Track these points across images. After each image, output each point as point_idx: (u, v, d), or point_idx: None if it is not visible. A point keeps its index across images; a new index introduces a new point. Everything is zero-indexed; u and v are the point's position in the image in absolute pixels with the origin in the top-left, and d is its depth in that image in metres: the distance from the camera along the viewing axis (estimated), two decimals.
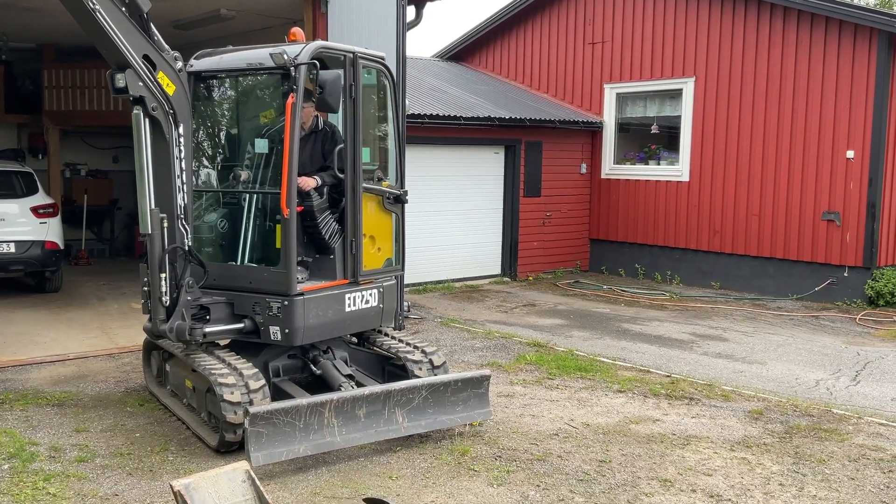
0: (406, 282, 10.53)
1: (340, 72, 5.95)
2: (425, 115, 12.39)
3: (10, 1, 9.76)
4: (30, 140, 15.07)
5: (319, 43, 5.99)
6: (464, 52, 17.83)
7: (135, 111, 5.64)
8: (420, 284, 12.83)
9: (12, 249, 10.25)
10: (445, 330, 10.00)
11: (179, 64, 5.90)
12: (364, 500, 4.59)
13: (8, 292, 10.94)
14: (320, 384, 6.19)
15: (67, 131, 14.79)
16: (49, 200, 11.07)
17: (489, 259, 14.14)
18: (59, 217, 11.06)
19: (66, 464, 5.34)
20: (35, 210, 10.58)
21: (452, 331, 9.95)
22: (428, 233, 12.83)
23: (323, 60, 6.03)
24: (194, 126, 6.23)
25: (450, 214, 13.38)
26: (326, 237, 6.20)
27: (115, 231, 16.03)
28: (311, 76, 5.57)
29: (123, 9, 5.50)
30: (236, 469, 3.95)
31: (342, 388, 5.87)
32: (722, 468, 5.55)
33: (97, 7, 5.23)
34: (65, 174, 15.22)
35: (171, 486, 3.74)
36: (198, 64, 6.32)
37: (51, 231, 10.70)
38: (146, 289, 5.88)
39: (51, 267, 10.82)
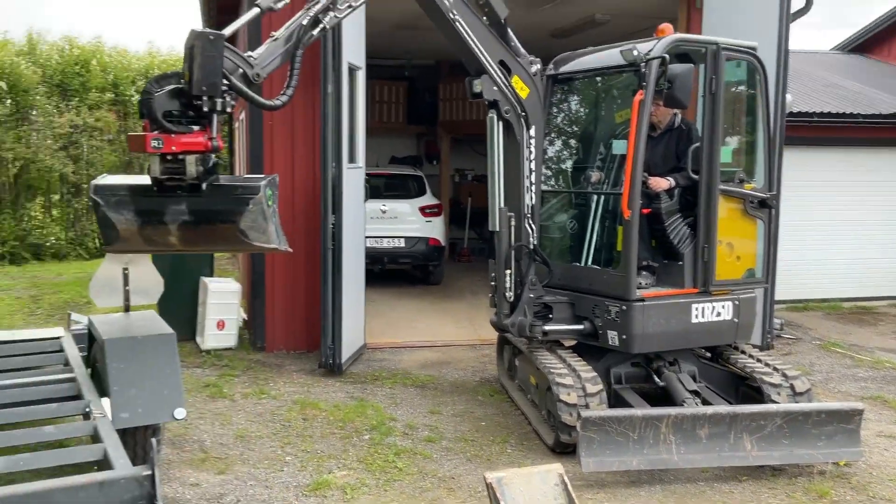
0: (780, 297, 9.56)
1: (691, 66, 5.56)
2: (813, 112, 11.12)
3: (414, 22, 10.98)
4: (426, 147, 16.84)
5: (675, 36, 5.67)
6: (869, 42, 15.68)
7: (489, 114, 5.91)
8: (800, 301, 11.55)
9: (402, 244, 11.53)
10: (823, 354, 8.85)
11: (535, 68, 6.04)
12: None
13: (396, 281, 12.32)
14: (664, 397, 5.86)
15: (458, 139, 16.20)
16: (435, 201, 12.23)
17: (886, 278, 12.19)
18: (442, 217, 12.18)
19: (416, 442, 5.79)
20: (423, 210, 11.77)
21: (832, 356, 8.77)
22: (812, 244, 11.49)
23: (682, 55, 5.71)
24: (548, 128, 6.33)
25: (839, 225, 11.81)
26: (675, 242, 5.86)
27: None
28: (661, 71, 5.30)
29: (483, 17, 5.80)
30: (550, 471, 3.88)
31: (685, 404, 5.48)
32: None
33: (457, 17, 5.56)
34: (454, 178, 16.71)
35: (484, 477, 3.81)
36: (555, 67, 6.42)
37: (435, 229, 11.83)
38: (493, 284, 6.12)
39: (433, 261, 11.96)
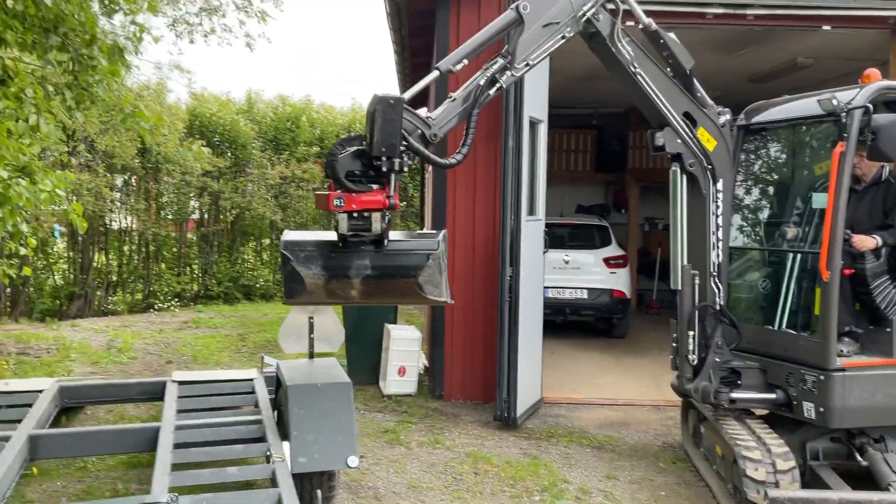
0: None
1: None
2: None
3: (599, 73, 10.89)
4: (614, 196, 16.52)
5: (882, 83, 5.19)
6: None
7: (672, 167, 5.70)
8: None
9: (584, 296, 11.31)
10: None
11: (723, 119, 5.78)
12: None
13: (578, 334, 12.07)
14: (867, 478, 5.25)
15: (647, 187, 15.77)
16: (620, 252, 11.91)
17: None
18: (627, 268, 11.83)
19: None
20: (607, 261, 11.51)
21: None
22: None
23: (891, 102, 5.23)
24: (738, 181, 5.99)
25: None
26: (882, 306, 5.30)
27: None
28: (864, 122, 4.85)
29: (668, 69, 5.63)
30: None
31: (890, 489, 4.88)
32: None
33: (638, 70, 5.45)
34: (643, 227, 16.24)
35: None
36: (747, 117, 6.09)
37: (619, 281, 11.50)
38: (675, 345, 5.82)
39: (617, 314, 11.61)
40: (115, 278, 16.21)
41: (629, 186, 15.55)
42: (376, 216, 4.24)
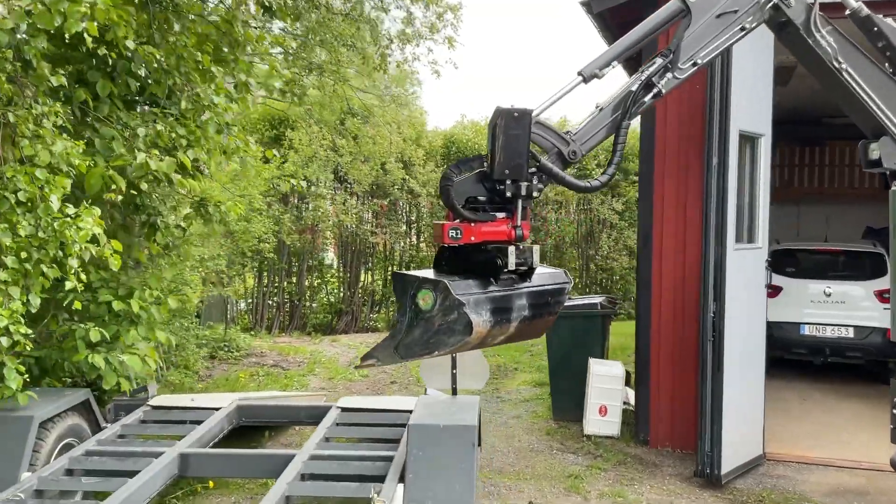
0: None
1: None
2: None
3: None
4: None
5: None
6: None
7: (893, 187, 4.54)
8: None
9: (850, 334, 9.62)
10: None
11: None
12: None
13: (841, 377, 10.27)
14: None
15: None
16: None
17: None
18: None
19: None
20: (880, 294, 9.67)
21: None
22: None
23: None
24: None
25: None
26: None
27: None
28: None
29: (887, 65, 4.51)
30: None
31: None
32: None
33: (843, 66, 4.41)
34: None
35: None
36: None
37: None
38: (895, 410, 4.61)
39: (891, 357, 9.70)
40: (378, 297, 17.27)
41: None
42: (535, 248, 3.80)
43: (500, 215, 3.72)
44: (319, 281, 17.14)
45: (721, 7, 4.24)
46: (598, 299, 8.68)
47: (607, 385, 7.68)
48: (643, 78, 4.07)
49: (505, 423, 8.28)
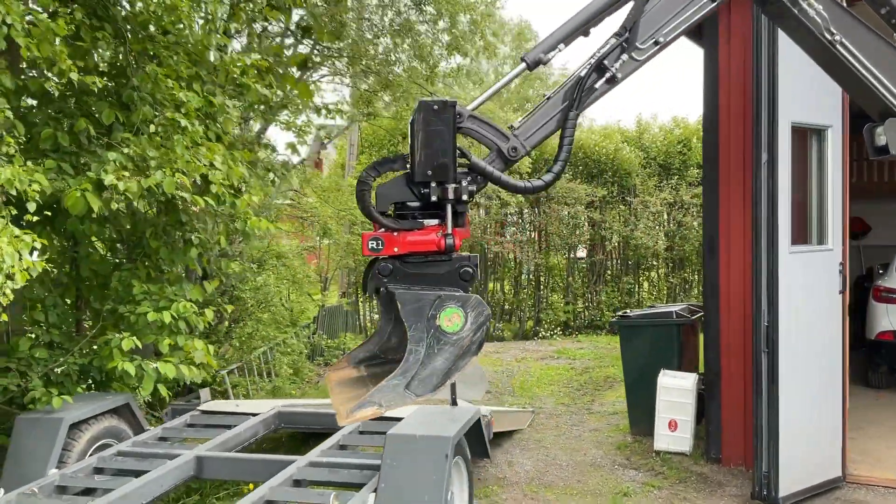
0: None
1: None
2: None
3: None
4: None
5: None
6: None
7: None
8: None
9: None
10: None
11: None
12: None
13: None
14: None
15: None
16: None
17: None
18: None
19: None
20: None
21: None
22: None
23: None
24: None
25: None
26: None
27: None
28: None
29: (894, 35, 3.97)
30: None
31: None
32: None
33: (836, 38, 3.88)
34: None
35: None
36: None
37: None
38: None
39: None
40: (507, 306, 17.24)
41: None
42: (475, 256, 3.33)
43: (433, 222, 3.29)
44: None
45: None
46: (676, 307, 8.19)
47: (676, 398, 7.24)
48: (593, 61, 3.56)
49: (578, 437, 8.01)
